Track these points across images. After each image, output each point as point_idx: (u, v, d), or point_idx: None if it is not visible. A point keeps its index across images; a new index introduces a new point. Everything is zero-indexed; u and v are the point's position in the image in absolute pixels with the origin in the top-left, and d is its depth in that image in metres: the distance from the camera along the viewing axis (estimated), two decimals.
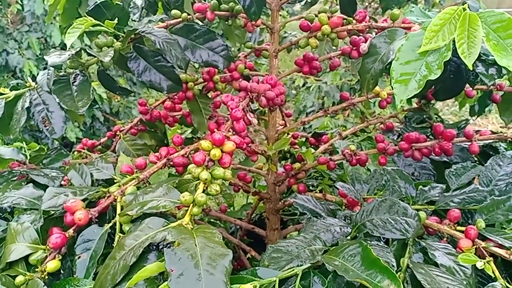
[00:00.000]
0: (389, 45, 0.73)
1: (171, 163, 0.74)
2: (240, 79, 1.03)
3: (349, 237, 0.68)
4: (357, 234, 0.68)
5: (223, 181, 0.63)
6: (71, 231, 0.60)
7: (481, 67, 0.68)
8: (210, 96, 1.08)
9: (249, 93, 0.80)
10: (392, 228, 0.64)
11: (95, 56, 0.82)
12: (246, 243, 1.33)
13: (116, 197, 0.64)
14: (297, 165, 1.06)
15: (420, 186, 0.80)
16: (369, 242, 0.65)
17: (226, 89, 1.15)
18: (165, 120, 1.11)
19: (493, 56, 0.55)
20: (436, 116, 1.46)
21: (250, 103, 0.83)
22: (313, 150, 1.24)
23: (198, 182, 0.60)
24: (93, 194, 0.67)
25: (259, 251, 1.34)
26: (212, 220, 1.26)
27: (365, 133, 1.29)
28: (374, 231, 0.65)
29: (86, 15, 0.94)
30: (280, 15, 1.18)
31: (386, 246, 0.63)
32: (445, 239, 0.69)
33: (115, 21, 0.82)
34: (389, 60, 0.71)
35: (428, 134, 1.30)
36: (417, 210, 0.79)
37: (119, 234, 0.59)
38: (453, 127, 1.35)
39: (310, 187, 1.12)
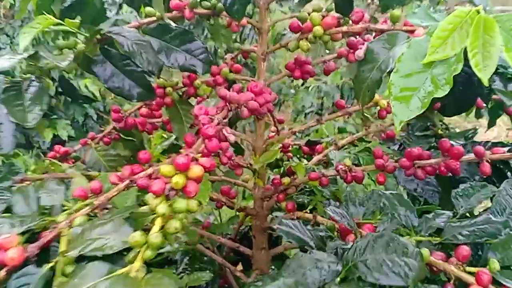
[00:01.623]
0: (389, 51, 0.62)
1: (135, 185, 0.64)
2: (223, 85, 0.93)
3: (338, 279, 0.58)
4: (346, 274, 0.58)
5: (189, 213, 0.53)
6: (2, 272, 0.50)
7: (498, 82, 0.57)
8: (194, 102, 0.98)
9: (227, 104, 0.70)
10: (389, 271, 0.54)
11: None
12: (232, 260, 1.23)
13: (61, 230, 0.54)
14: (286, 180, 0.95)
15: (424, 215, 0.70)
16: (360, 285, 0.55)
17: (211, 94, 1.05)
18: (143, 127, 1.02)
19: None
20: (441, 123, 1.36)
21: (230, 114, 0.72)
22: (305, 162, 1.15)
23: (156, 216, 0.50)
24: (37, 224, 0.57)
25: (247, 267, 1.24)
26: None
27: (364, 142, 1.18)
28: (367, 275, 0.54)
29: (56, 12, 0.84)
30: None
31: None
32: (452, 282, 0.58)
33: (78, 19, 0.72)
34: (389, 69, 0.61)
35: (432, 144, 1.20)
36: (419, 242, 0.69)
37: (58, 278, 0.49)
38: (459, 137, 1.25)
39: (301, 205, 1.01)
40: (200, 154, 0.57)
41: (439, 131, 1.33)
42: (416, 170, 0.81)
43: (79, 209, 0.59)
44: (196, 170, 0.53)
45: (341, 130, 2.34)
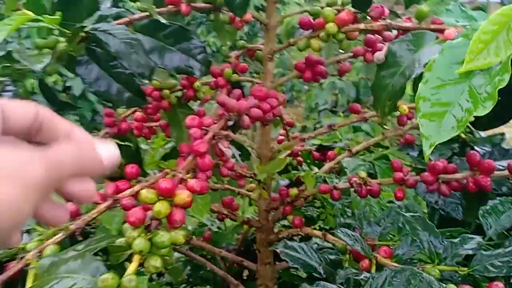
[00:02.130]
0: (414, 53, 0.53)
1: (119, 204, 0.56)
2: (226, 87, 0.84)
3: None
4: None
5: (174, 245, 0.45)
6: None
7: None
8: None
9: (225, 112, 0.61)
10: None
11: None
12: (235, 271, 1.16)
13: (28, 261, 0.47)
14: (293, 192, 0.87)
15: (450, 239, 0.61)
16: None
17: (214, 96, 0.97)
18: (139, 132, 0.94)
19: None
20: (468, 128, 1.25)
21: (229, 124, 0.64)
22: (316, 169, 1.06)
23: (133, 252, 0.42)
24: (4, 253, 0.49)
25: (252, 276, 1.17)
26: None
27: (381, 148, 1.09)
28: None
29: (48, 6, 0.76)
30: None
31: None
32: None
33: (58, 15, 0.64)
34: (414, 76, 0.52)
35: (455, 150, 1.10)
36: (443, 271, 0.60)
37: None
38: (486, 142, 1.14)
39: (309, 218, 0.93)
40: (189, 175, 0.49)
41: (462, 135, 1.23)
42: (440, 186, 0.72)
43: (52, 235, 0.52)
44: (182, 196, 0.45)
45: (356, 129, 2.24)
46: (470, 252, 0.59)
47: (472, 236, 0.61)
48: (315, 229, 0.80)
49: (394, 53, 0.55)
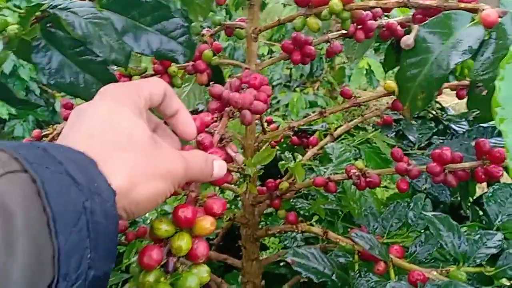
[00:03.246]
0: (447, 39, 0.47)
1: None
2: (205, 72, 0.74)
3: None
4: None
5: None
6: None
7: None
8: None
9: (227, 108, 0.52)
10: None
11: None
12: (216, 266, 1.09)
13: None
14: (284, 184, 0.80)
15: (471, 238, 0.57)
16: None
17: (184, 77, 0.86)
18: None
19: None
20: (438, 104, 1.24)
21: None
22: (300, 157, 0.99)
23: None
24: None
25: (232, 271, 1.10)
26: None
27: (362, 131, 1.04)
28: None
29: None
30: None
31: None
32: None
33: None
34: (450, 67, 0.45)
35: (434, 129, 1.08)
36: (470, 273, 0.56)
37: None
38: (460, 119, 1.13)
39: (299, 211, 0.87)
40: (204, 193, 0.40)
41: (433, 112, 1.21)
42: (447, 176, 0.68)
43: None
44: (205, 225, 0.36)
45: (312, 104, 2.20)
46: (494, 251, 0.55)
47: (493, 232, 0.57)
48: (312, 225, 0.74)
49: (424, 38, 0.48)
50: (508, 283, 0.56)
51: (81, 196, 0.27)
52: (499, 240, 0.56)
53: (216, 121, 0.51)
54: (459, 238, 0.55)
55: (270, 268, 0.99)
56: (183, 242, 0.34)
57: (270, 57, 2.90)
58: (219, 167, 0.41)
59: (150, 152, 0.34)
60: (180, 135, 0.42)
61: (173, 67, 0.73)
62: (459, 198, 0.92)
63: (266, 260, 0.91)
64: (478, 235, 0.57)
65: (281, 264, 1.00)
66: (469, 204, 0.93)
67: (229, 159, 0.48)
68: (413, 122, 1.12)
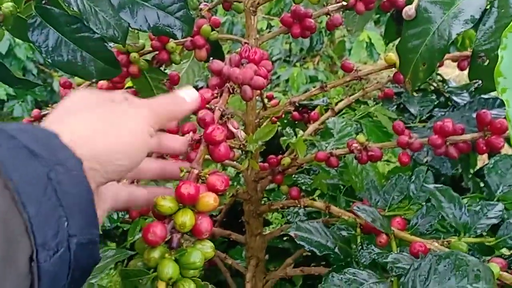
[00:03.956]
0: (447, 10, 0.46)
1: None
2: (204, 47, 0.73)
3: None
4: None
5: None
6: None
7: None
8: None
9: (227, 83, 0.51)
10: None
11: None
12: (219, 242, 1.10)
13: None
14: (286, 160, 0.80)
15: (472, 208, 0.57)
16: None
17: (182, 53, 0.85)
18: None
19: None
20: (439, 76, 1.23)
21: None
22: (301, 132, 0.99)
23: (156, 277, 0.34)
24: None
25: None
26: None
27: (363, 105, 1.03)
28: None
29: None
30: None
31: None
32: None
33: None
34: (451, 37, 0.45)
35: (435, 102, 1.07)
36: (471, 244, 0.57)
37: None
38: (461, 91, 1.13)
39: (302, 187, 0.87)
40: (206, 170, 0.40)
41: (434, 84, 1.20)
42: (449, 148, 0.68)
43: None
44: (208, 201, 0.36)
45: (312, 79, 2.19)
46: (495, 221, 0.56)
47: (493, 203, 0.58)
48: (314, 200, 0.75)
49: (426, 8, 0.47)
50: (508, 253, 0.56)
51: (43, 167, 0.26)
52: (500, 211, 0.57)
53: (216, 97, 0.51)
54: (460, 209, 0.55)
55: (274, 242, 1.00)
56: (186, 219, 0.34)
57: (269, 32, 2.86)
58: (188, 93, 0.42)
59: (107, 108, 0.34)
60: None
61: (171, 43, 0.72)
62: (460, 170, 0.93)
63: (270, 235, 0.92)
64: (479, 206, 0.58)
65: (284, 238, 1.01)
66: (470, 176, 0.93)
67: (230, 135, 0.47)
68: (415, 95, 1.11)
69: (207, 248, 0.36)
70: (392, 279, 0.50)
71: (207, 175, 0.39)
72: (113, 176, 0.32)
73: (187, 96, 0.42)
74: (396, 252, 0.55)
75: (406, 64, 0.48)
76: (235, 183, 1.08)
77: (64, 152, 0.29)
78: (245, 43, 0.70)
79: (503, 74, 0.32)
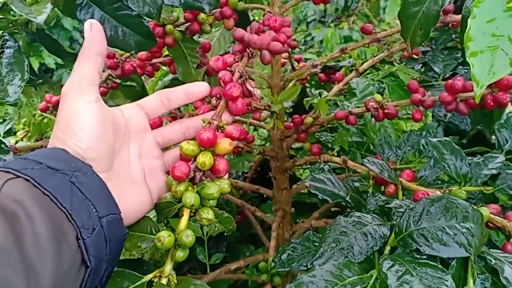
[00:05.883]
0: None
1: None
2: (232, 17, 0.80)
3: (388, 248, 0.53)
4: (398, 244, 0.52)
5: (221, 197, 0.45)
6: None
7: None
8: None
9: (247, 48, 0.58)
10: (451, 241, 0.48)
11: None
12: (250, 197, 1.20)
13: None
14: (308, 119, 0.87)
15: (473, 159, 0.62)
16: (417, 257, 0.49)
17: (214, 22, 0.92)
18: (142, 70, 0.90)
19: None
20: None
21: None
22: (325, 93, 1.05)
23: (182, 206, 0.43)
24: None
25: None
26: None
27: (386, 65, 1.07)
28: (426, 247, 0.48)
29: None
30: None
31: (443, 269, 0.47)
32: None
33: None
34: (445, 3, 0.49)
35: (460, 60, 1.09)
36: (473, 193, 0.62)
37: None
38: None
39: (324, 144, 0.94)
40: (225, 121, 0.48)
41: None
42: (459, 105, 0.72)
43: None
44: (224, 145, 0.44)
45: (346, 39, 2.19)
46: (495, 172, 0.61)
47: (495, 155, 0.62)
48: (333, 155, 0.81)
49: None
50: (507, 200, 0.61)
51: (65, 177, 0.36)
52: (500, 162, 0.61)
53: (237, 62, 0.58)
54: (461, 160, 0.61)
55: (302, 197, 1.08)
56: (206, 159, 0.43)
57: None
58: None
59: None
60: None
61: (202, 15, 0.79)
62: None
63: (296, 189, 1.01)
64: (482, 158, 0.63)
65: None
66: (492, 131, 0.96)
67: (248, 94, 0.55)
68: (440, 53, 1.13)
69: (224, 184, 0.44)
70: (394, 222, 0.57)
71: (226, 126, 0.47)
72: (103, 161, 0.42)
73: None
74: (401, 200, 0.62)
75: (406, 29, 0.53)
76: (267, 144, 1.16)
77: (77, 162, 0.39)
78: (268, 11, 0.75)
79: (472, 39, 0.37)
